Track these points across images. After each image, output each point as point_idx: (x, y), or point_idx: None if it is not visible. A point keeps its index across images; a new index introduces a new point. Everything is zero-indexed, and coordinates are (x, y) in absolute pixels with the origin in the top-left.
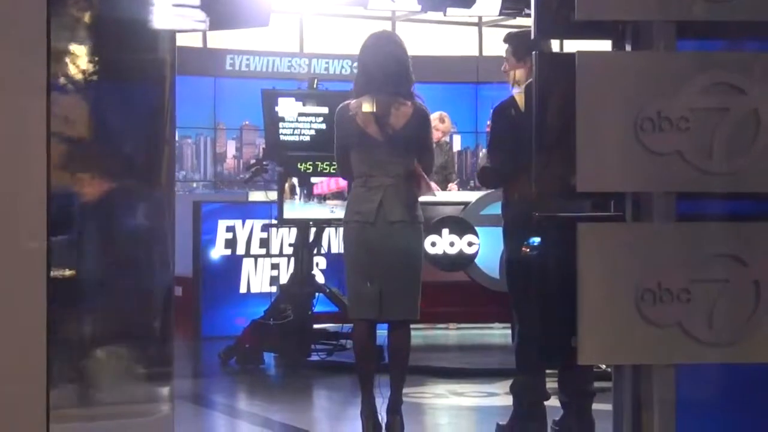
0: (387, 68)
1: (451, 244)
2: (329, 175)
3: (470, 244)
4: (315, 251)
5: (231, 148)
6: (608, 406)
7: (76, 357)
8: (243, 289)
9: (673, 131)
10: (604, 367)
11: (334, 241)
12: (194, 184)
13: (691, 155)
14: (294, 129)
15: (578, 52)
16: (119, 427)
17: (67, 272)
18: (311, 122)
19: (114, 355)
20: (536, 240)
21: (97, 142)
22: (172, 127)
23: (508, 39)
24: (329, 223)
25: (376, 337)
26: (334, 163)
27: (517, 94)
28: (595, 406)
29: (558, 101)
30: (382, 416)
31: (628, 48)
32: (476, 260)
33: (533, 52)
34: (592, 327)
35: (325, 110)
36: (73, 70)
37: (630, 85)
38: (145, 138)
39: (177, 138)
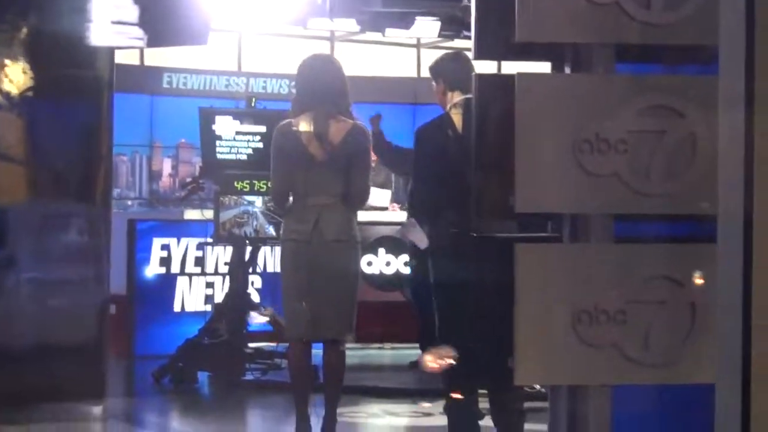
0: (325, 87)
1: (387, 264)
2: (265, 194)
3: (406, 263)
4: (251, 270)
5: (167, 166)
6: (542, 426)
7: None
8: (177, 308)
9: (611, 153)
10: (538, 387)
11: (270, 259)
12: (129, 202)
13: (629, 177)
14: (231, 147)
15: (518, 73)
16: None
17: None
18: (249, 141)
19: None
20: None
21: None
22: (110, 144)
23: (436, 73)
24: (265, 241)
25: (312, 357)
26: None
27: (454, 112)
28: (529, 426)
29: (497, 122)
30: None
31: (567, 70)
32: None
33: (472, 74)
34: (529, 347)
35: (262, 129)
36: (7, 86)
37: (569, 107)
38: (81, 155)
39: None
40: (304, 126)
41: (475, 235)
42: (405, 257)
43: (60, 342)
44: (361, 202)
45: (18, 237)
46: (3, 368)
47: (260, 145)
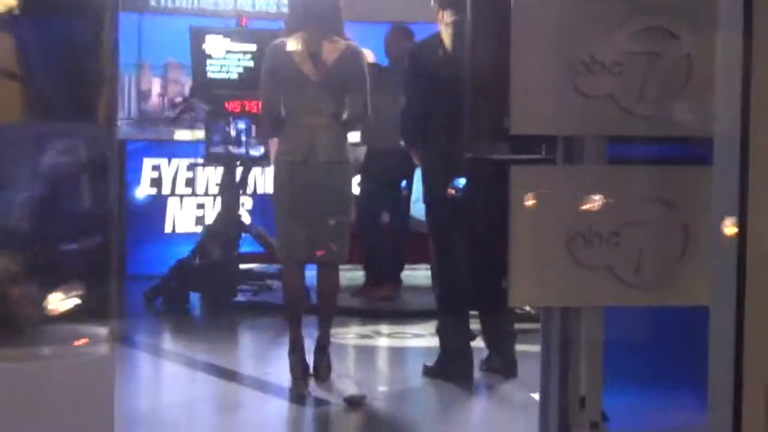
0: (318, 6)
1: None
2: (256, 114)
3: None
4: (242, 191)
5: (156, 86)
6: (534, 347)
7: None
8: (168, 229)
9: (606, 75)
10: (529, 309)
11: (260, 181)
12: (118, 123)
13: (623, 99)
14: (222, 67)
15: None
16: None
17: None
18: (239, 60)
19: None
20: (461, 182)
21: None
22: (113, 65)
23: None
24: (256, 162)
25: (305, 278)
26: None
27: (445, 32)
28: (520, 347)
29: (492, 42)
30: (310, 356)
31: None
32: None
33: None
34: (522, 269)
35: (253, 48)
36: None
37: (564, 29)
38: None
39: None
40: (297, 46)
41: (468, 156)
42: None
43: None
44: (360, 122)
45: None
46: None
47: (251, 64)
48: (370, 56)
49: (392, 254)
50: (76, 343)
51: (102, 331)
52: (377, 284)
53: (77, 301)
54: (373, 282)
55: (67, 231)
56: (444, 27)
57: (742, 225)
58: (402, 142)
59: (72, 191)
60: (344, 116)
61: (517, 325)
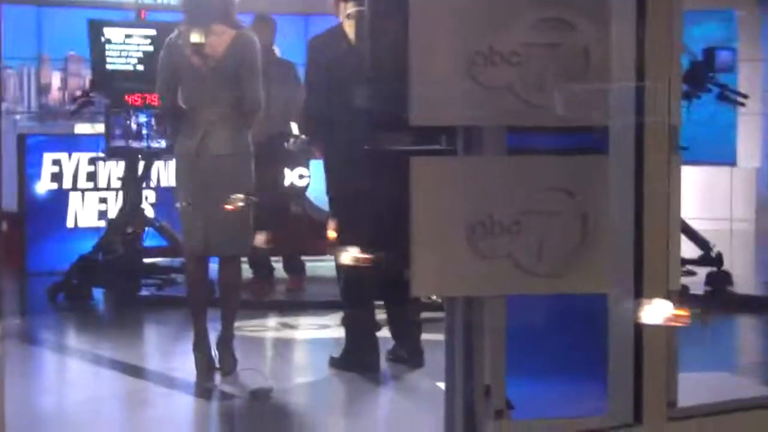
0: None
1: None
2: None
3: (301, 176)
4: (144, 184)
5: (56, 80)
6: (439, 336)
7: None
8: (70, 224)
9: (505, 66)
10: (433, 297)
11: (164, 174)
12: (18, 117)
13: (522, 89)
14: (121, 60)
15: None
16: None
17: None
18: (139, 53)
19: None
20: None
21: None
22: None
23: None
24: (158, 156)
25: (208, 272)
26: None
27: (347, 23)
28: (426, 336)
29: (390, 34)
30: (215, 351)
31: None
32: (307, 192)
33: None
34: (424, 259)
35: (153, 41)
36: None
37: (462, 20)
38: None
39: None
40: (187, 38)
41: (369, 148)
42: (300, 170)
43: None
44: (252, 112)
45: None
46: None
47: (150, 57)
48: (276, 52)
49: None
50: None
51: None
52: (263, 280)
53: None
54: (260, 276)
55: None
56: (346, 19)
57: (638, 213)
58: (304, 137)
59: None
60: (241, 107)
61: (423, 315)
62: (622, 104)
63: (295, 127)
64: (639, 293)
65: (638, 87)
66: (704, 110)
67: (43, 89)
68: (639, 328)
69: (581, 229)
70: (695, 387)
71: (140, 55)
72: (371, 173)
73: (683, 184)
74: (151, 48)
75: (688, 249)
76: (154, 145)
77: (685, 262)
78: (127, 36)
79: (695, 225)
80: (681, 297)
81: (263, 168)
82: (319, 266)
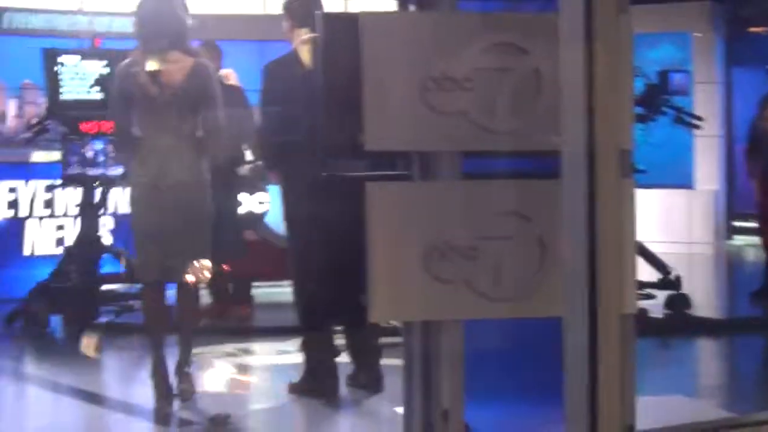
0: (162, 24)
1: (241, 203)
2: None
3: (261, 202)
4: (101, 211)
5: (12, 108)
6: (398, 361)
7: None
8: (27, 251)
9: (458, 91)
10: (392, 322)
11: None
12: None
13: (476, 114)
14: (75, 88)
15: (361, 13)
16: None
17: None
18: (93, 81)
19: None
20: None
21: None
22: None
23: (286, 11)
24: (115, 183)
25: (166, 298)
26: None
27: (302, 49)
28: (385, 361)
29: (343, 61)
30: (173, 377)
31: (412, 8)
32: (266, 218)
33: (316, 13)
34: (381, 284)
35: (107, 69)
36: None
37: (415, 45)
38: None
39: None
40: (145, 65)
41: (324, 174)
42: (259, 196)
43: None
44: (213, 140)
45: None
46: None
47: (104, 85)
48: (233, 77)
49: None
50: None
51: None
52: (223, 305)
53: None
54: (219, 302)
55: None
56: (300, 44)
57: (591, 237)
58: (259, 162)
59: None
60: (197, 134)
61: (382, 340)
62: (573, 128)
63: (248, 153)
64: (594, 316)
65: (589, 111)
66: (661, 133)
67: None
68: (594, 351)
69: (537, 253)
70: (653, 410)
71: (94, 83)
72: (327, 198)
73: (641, 208)
74: (105, 76)
75: (647, 272)
76: (111, 172)
77: (643, 285)
78: (81, 64)
79: (654, 248)
80: (638, 320)
81: (219, 194)
82: (278, 292)
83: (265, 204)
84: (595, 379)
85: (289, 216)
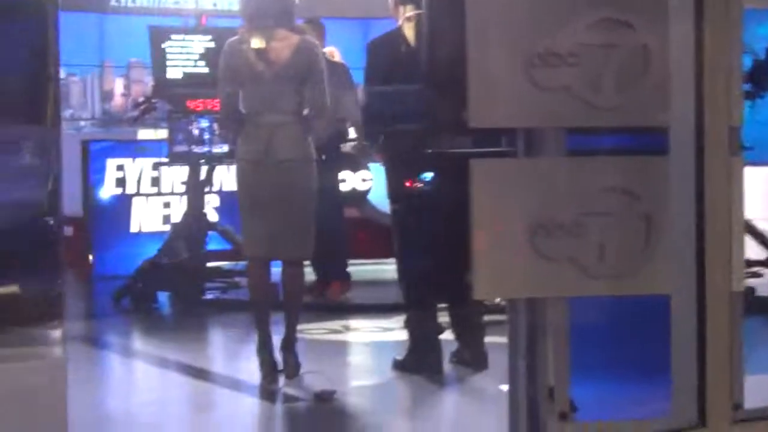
0: (270, 2)
1: (344, 181)
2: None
3: (363, 180)
4: (207, 189)
5: (119, 86)
6: (502, 339)
7: None
8: (135, 228)
9: (563, 67)
10: (497, 300)
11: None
12: (82, 123)
13: (581, 90)
14: (182, 66)
15: None
16: (8, 372)
17: None
18: (199, 59)
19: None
20: (427, 176)
21: None
22: (56, 64)
23: None
24: (220, 160)
25: (271, 275)
26: None
27: (407, 26)
28: (489, 338)
29: (448, 38)
30: (278, 354)
31: None
32: (369, 196)
33: None
34: (486, 262)
35: (212, 46)
36: None
37: (520, 20)
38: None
39: (63, 76)
40: (251, 43)
41: (429, 151)
42: (362, 174)
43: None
44: (319, 118)
45: None
46: None
47: (211, 62)
48: (337, 55)
49: (335, 251)
50: (27, 347)
51: (54, 333)
52: (326, 283)
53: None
54: (322, 280)
55: (15, 233)
56: (405, 22)
57: (699, 214)
58: (365, 142)
59: (20, 192)
60: (303, 112)
61: (487, 317)
62: (681, 105)
63: (351, 131)
64: (702, 295)
65: (698, 87)
66: None
67: (106, 96)
68: (703, 330)
69: (644, 230)
70: (762, 389)
71: (201, 61)
72: (432, 175)
73: (748, 185)
74: (212, 53)
75: (755, 250)
76: (216, 149)
77: (750, 263)
78: (188, 42)
79: (762, 226)
80: (746, 298)
81: (324, 171)
82: (383, 269)
83: (368, 182)
84: (703, 357)
85: (394, 193)
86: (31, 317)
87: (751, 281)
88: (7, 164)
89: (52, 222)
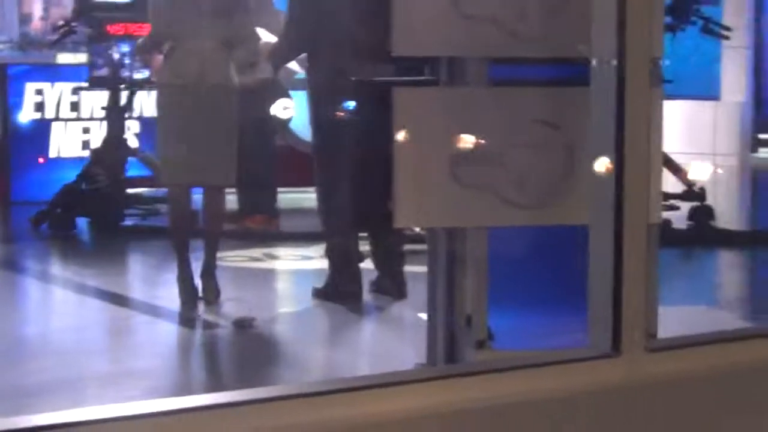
0: None
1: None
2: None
3: (285, 108)
4: (127, 114)
5: (38, 9)
6: (421, 268)
7: None
8: (53, 153)
9: None
10: (418, 230)
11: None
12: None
13: (505, 19)
14: None
15: None
16: None
17: None
18: None
19: None
20: (349, 104)
21: None
22: None
23: None
24: (141, 85)
25: (191, 202)
26: (145, 25)
27: None
28: (409, 268)
29: None
30: (198, 281)
31: None
32: (290, 124)
33: None
34: (407, 190)
35: None
36: None
37: None
38: None
39: None
40: None
41: (352, 79)
42: (284, 102)
43: None
44: (246, 46)
45: None
46: None
47: None
48: None
49: (262, 183)
50: None
51: None
52: (251, 214)
53: None
54: (247, 211)
55: None
56: None
57: (619, 146)
58: (271, 63)
59: None
60: (228, 38)
61: (407, 246)
62: (603, 35)
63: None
64: (619, 225)
65: (620, 18)
66: (688, 43)
67: (25, 19)
68: (619, 261)
69: (564, 161)
70: (675, 320)
71: None
72: (355, 103)
73: (667, 119)
74: None
75: (672, 184)
76: (138, 74)
77: (668, 196)
78: None
79: (679, 159)
80: (663, 231)
81: (247, 99)
82: (303, 198)
83: (289, 110)
84: (619, 287)
85: (316, 121)
86: None
87: (667, 214)
88: None
89: None
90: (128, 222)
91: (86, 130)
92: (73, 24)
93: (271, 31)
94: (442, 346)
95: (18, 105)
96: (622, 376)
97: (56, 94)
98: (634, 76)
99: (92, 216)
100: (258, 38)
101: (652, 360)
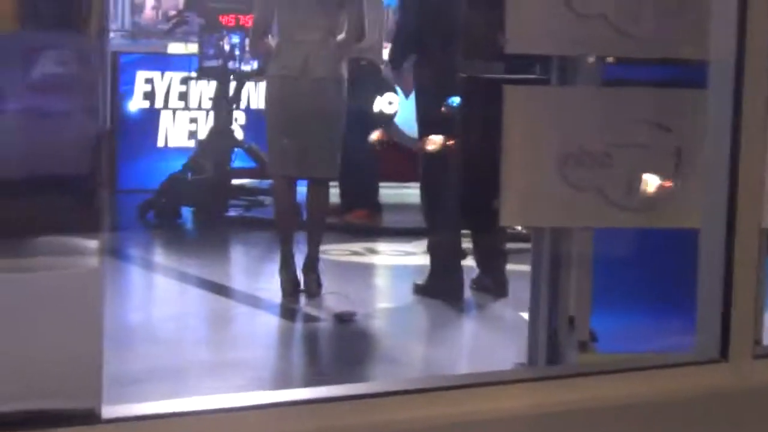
0: None
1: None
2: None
3: (390, 102)
4: (234, 106)
5: None
6: (523, 267)
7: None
8: (161, 143)
9: None
10: (520, 228)
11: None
12: (112, 35)
13: (617, 19)
14: None
15: None
16: (45, 280)
17: None
18: None
19: (39, 206)
20: (455, 101)
21: None
22: None
23: None
24: (249, 77)
25: (296, 194)
26: None
27: None
28: (511, 266)
29: None
30: (300, 273)
31: None
32: (395, 119)
33: None
34: (514, 189)
35: None
36: None
37: None
38: None
39: None
40: None
41: (462, 75)
42: (389, 96)
43: (52, 173)
44: (355, 39)
45: (6, 67)
46: None
47: None
48: None
49: (366, 179)
50: (64, 256)
51: (91, 244)
52: (353, 208)
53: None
54: (349, 205)
55: (56, 143)
56: None
57: (734, 149)
58: (390, 65)
59: (61, 103)
60: (340, 33)
61: (509, 245)
62: (721, 36)
63: (384, 53)
64: (731, 230)
65: (740, 17)
66: None
67: (137, 8)
68: (730, 265)
69: (674, 163)
70: None
71: None
72: (462, 100)
73: None
74: None
75: None
76: (246, 66)
77: None
78: None
79: None
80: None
81: (354, 94)
82: (407, 193)
83: (394, 105)
84: (729, 292)
85: (424, 117)
86: (68, 227)
87: None
88: (49, 72)
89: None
90: (232, 213)
91: (193, 120)
92: (185, 14)
93: (376, 27)
94: (543, 346)
95: (128, 93)
96: (729, 382)
97: (165, 83)
98: (752, 77)
99: (197, 206)
100: (364, 33)
101: (759, 367)
